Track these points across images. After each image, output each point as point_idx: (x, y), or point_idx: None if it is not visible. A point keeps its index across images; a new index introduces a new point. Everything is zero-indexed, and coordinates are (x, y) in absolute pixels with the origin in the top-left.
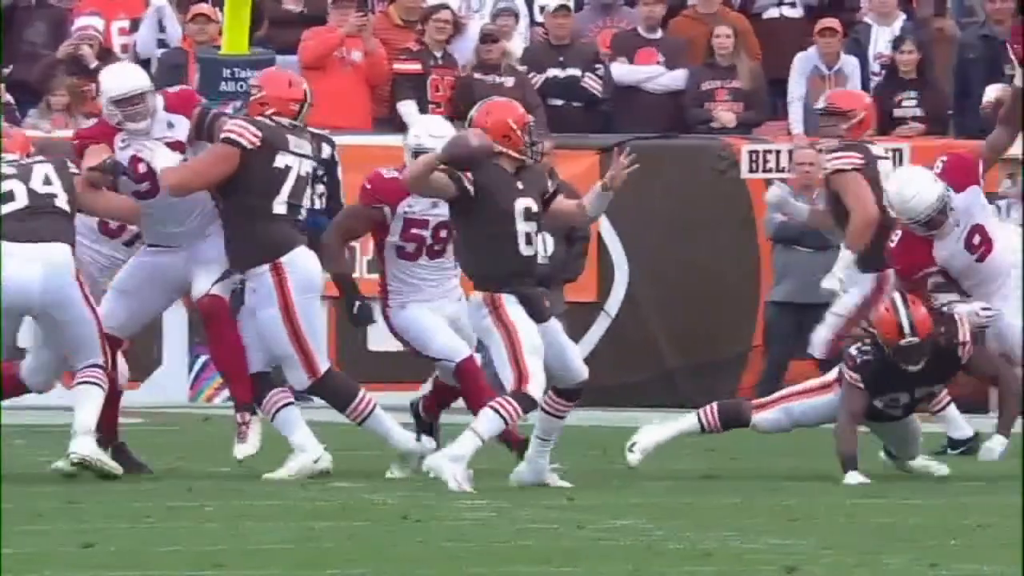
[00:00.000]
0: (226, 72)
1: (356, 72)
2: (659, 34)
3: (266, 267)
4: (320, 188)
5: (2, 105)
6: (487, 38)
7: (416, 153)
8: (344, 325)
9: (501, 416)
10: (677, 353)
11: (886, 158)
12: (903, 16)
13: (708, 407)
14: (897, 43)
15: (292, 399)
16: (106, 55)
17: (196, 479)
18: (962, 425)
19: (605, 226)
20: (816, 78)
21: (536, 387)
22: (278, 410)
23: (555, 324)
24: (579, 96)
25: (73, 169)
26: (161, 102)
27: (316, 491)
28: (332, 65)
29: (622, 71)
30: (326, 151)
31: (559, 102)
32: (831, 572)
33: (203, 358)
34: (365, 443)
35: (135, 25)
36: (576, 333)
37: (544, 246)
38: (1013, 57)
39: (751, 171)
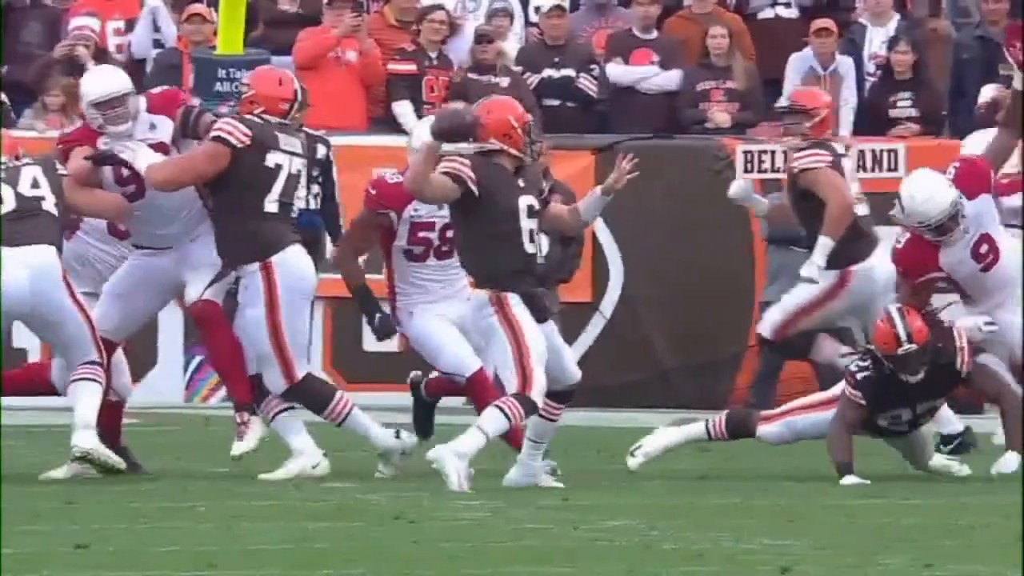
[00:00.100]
0: (221, 72)
1: (351, 72)
2: (654, 34)
3: (256, 265)
4: (315, 188)
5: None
6: (482, 38)
7: None
8: (340, 325)
9: (506, 416)
10: (672, 353)
11: (847, 156)
12: (898, 16)
13: (718, 416)
14: (892, 43)
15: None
16: (102, 56)
17: (192, 480)
18: (952, 420)
19: (600, 226)
20: (811, 78)
21: (539, 393)
22: (278, 412)
23: (550, 325)
24: (574, 96)
25: (61, 170)
26: (144, 104)
27: (311, 492)
28: (327, 65)
29: (617, 71)
30: (321, 152)
31: (554, 102)
32: (827, 572)
33: (198, 358)
34: (360, 444)
35: (130, 25)
36: (571, 334)
37: (540, 246)
38: (1011, 60)
39: (746, 171)
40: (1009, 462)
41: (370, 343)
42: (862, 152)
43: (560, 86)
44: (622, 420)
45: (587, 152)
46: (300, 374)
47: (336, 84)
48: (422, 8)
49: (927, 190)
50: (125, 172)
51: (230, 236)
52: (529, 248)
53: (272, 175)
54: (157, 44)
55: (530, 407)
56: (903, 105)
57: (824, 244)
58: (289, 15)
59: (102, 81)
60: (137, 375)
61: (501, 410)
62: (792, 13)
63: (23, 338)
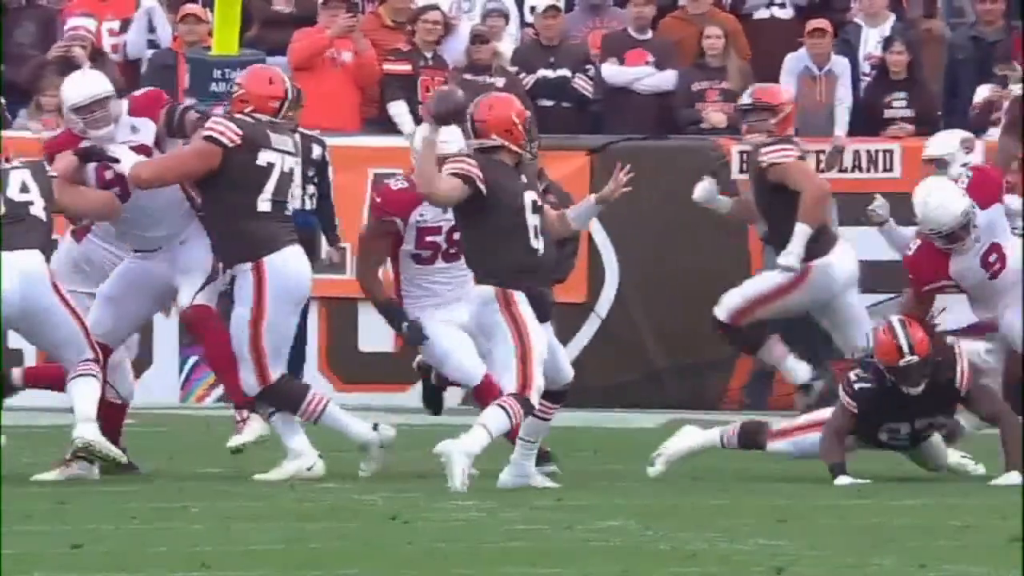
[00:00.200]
0: (216, 73)
1: (346, 73)
2: (649, 35)
3: (249, 265)
4: (311, 189)
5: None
6: (477, 39)
7: None
8: (335, 325)
9: (508, 414)
10: (666, 354)
11: (808, 157)
12: (893, 17)
13: (731, 426)
14: (887, 44)
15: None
16: (98, 56)
17: (186, 480)
18: None
19: (595, 227)
20: (806, 79)
21: (536, 394)
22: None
23: (547, 325)
24: (569, 97)
25: (51, 172)
26: (126, 106)
27: (305, 492)
28: (322, 66)
29: (612, 72)
30: (316, 152)
31: (549, 103)
32: (821, 573)
33: (193, 359)
34: (353, 444)
35: (125, 26)
36: (566, 334)
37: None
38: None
39: (742, 172)
40: (1010, 478)
41: (365, 344)
42: (857, 152)
43: (555, 86)
44: (616, 420)
45: (582, 153)
46: (274, 376)
47: (331, 84)
48: (417, 8)
49: (940, 197)
50: (108, 175)
51: (224, 236)
52: (534, 244)
53: (264, 174)
54: (152, 45)
55: (527, 408)
56: (898, 105)
57: (802, 231)
58: (284, 15)
59: (81, 85)
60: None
61: (503, 409)
62: (787, 13)
63: (21, 338)
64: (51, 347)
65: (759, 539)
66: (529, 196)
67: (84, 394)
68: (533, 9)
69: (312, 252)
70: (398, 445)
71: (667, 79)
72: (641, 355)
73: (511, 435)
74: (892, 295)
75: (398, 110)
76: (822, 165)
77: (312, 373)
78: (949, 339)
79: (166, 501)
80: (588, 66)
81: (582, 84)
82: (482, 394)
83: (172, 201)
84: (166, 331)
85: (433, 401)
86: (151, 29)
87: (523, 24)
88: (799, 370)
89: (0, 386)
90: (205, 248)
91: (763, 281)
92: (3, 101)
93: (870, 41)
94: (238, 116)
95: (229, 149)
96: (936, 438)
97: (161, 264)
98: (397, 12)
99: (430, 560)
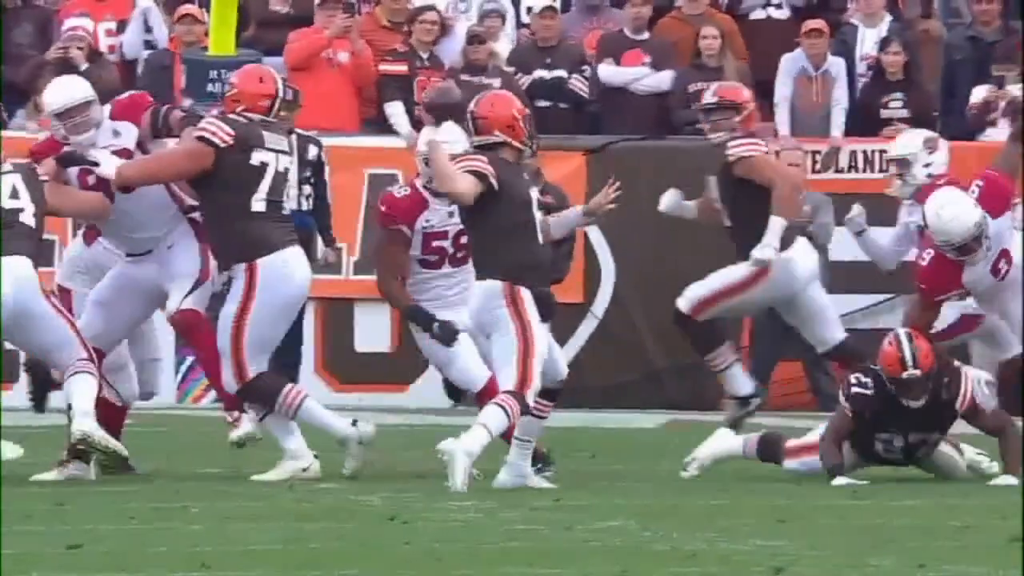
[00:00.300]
0: (213, 73)
1: (343, 73)
2: (646, 35)
3: (243, 265)
4: (307, 189)
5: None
6: (474, 39)
7: (427, 159)
8: (331, 326)
9: (506, 413)
10: (664, 354)
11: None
12: (889, 17)
13: (753, 436)
14: (884, 44)
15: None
16: (96, 57)
17: (184, 480)
18: None
19: (592, 228)
20: (803, 79)
21: (532, 393)
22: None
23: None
24: (566, 97)
25: (43, 176)
26: (108, 111)
27: (303, 492)
28: (318, 66)
29: (609, 72)
30: (313, 152)
31: (546, 103)
32: (820, 573)
33: (190, 359)
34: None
35: (122, 26)
36: (563, 334)
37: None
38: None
39: None
40: (1007, 478)
41: (361, 344)
42: (853, 153)
43: (552, 87)
44: (614, 421)
45: (579, 153)
46: (251, 374)
47: (328, 85)
48: (413, 9)
49: (953, 210)
50: (90, 179)
51: (220, 236)
52: (540, 240)
53: (258, 174)
54: (149, 45)
55: (524, 407)
56: (895, 106)
57: (777, 225)
58: (280, 16)
59: (61, 91)
60: None
61: (502, 408)
62: (784, 14)
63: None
64: (44, 352)
65: (758, 539)
66: (533, 192)
67: (81, 391)
68: (530, 10)
69: (308, 253)
70: (397, 445)
71: (664, 80)
72: (640, 355)
73: (506, 435)
74: (890, 296)
75: (395, 111)
76: (818, 165)
77: (308, 374)
78: (956, 361)
79: (165, 501)
80: (585, 67)
81: (579, 85)
82: (485, 398)
83: (157, 204)
84: (163, 333)
85: (454, 390)
86: (148, 29)
87: (520, 25)
88: (742, 382)
89: (41, 382)
90: (193, 252)
91: (728, 274)
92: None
93: (867, 41)
94: (231, 116)
95: (221, 149)
96: (946, 453)
97: (151, 268)
98: (394, 12)
99: (429, 560)
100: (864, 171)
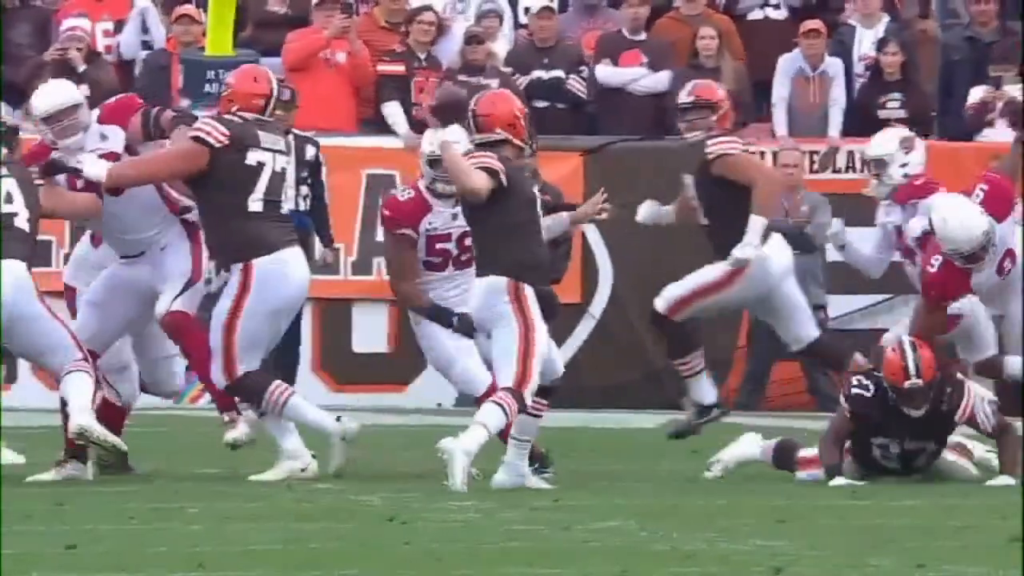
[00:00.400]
0: (210, 74)
1: (340, 73)
2: (643, 35)
3: (240, 265)
4: (304, 190)
5: None
6: (471, 39)
7: (431, 161)
8: (328, 327)
9: (504, 411)
10: (662, 354)
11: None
12: (887, 18)
13: (770, 442)
14: (881, 44)
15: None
16: (94, 58)
17: (183, 481)
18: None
19: (590, 228)
20: (800, 79)
21: (530, 392)
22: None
23: None
24: (563, 98)
25: (38, 180)
26: (96, 114)
27: (302, 493)
28: (316, 67)
29: (606, 73)
30: (310, 153)
31: (543, 104)
32: (819, 573)
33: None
34: (351, 446)
35: (119, 26)
36: (561, 334)
37: None
38: None
39: None
40: (1005, 479)
41: (359, 344)
42: (851, 153)
43: (549, 87)
44: (613, 421)
45: (576, 154)
46: (240, 372)
47: (325, 85)
48: (411, 9)
49: (960, 218)
50: (79, 183)
51: (217, 236)
52: (543, 238)
53: (254, 173)
54: (146, 45)
55: (521, 404)
56: (892, 106)
57: (758, 223)
58: (278, 16)
59: (48, 96)
60: None
61: (499, 406)
62: (781, 14)
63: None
64: (39, 355)
65: (758, 539)
66: (535, 191)
67: (78, 388)
68: (527, 10)
69: (306, 253)
70: (395, 445)
71: (661, 80)
72: (639, 355)
73: (502, 433)
74: (888, 296)
75: (392, 111)
76: (815, 166)
77: (306, 374)
78: (960, 375)
79: (164, 501)
80: (582, 67)
81: (576, 85)
82: (485, 400)
83: (148, 206)
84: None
85: None
86: (145, 30)
87: (517, 25)
88: (707, 390)
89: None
90: (185, 254)
91: (704, 274)
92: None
93: (864, 42)
94: (225, 116)
95: (216, 149)
96: (955, 463)
97: (144, 269)
98: (391, 13)
99: (428, 561)
100: (862, 171)
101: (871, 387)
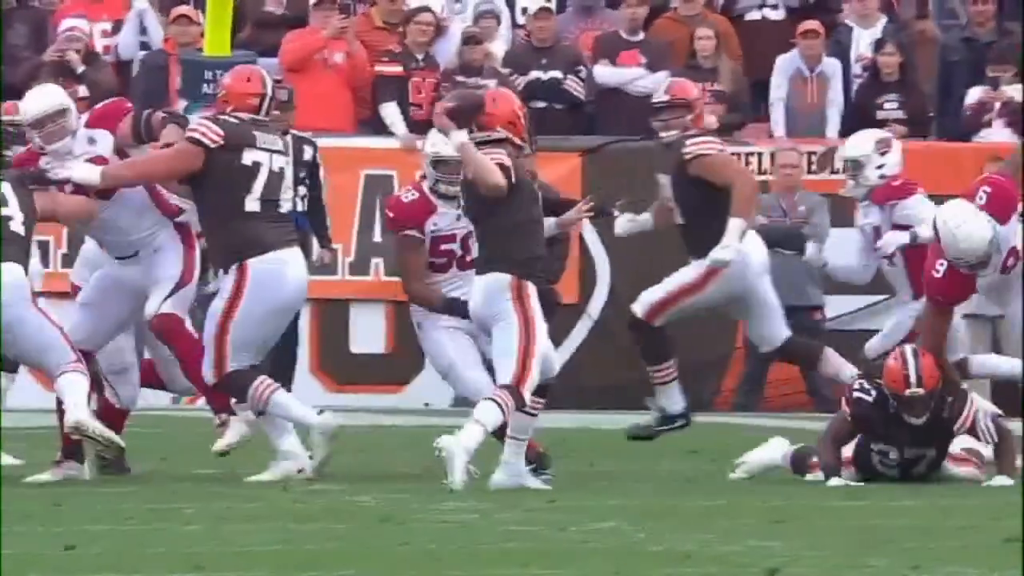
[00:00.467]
0: (208, 74)
1: (338, 74)
2: (641, 36)
3: (235, 265)
4: (302, 190)
5: None
6: (469, 40)
7: (434, 162)
8: (326, 327)
9: (500, 408)
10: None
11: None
12: (885, 18)
13: (789, 449)
14: (879, 45)
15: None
16: (93, 59)
17: (179, 481)
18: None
19: (587, 228)
20: (798, 80)
21: (529, 390)
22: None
23: None
24: (561, 98)
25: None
26: (84, 118)
27: (299, 493)
28: (314, 67)
29: (604, 73)
30: (308, 153)
31: (541, 104)
32: (815, 574)
33: None
34: (347, 446)
35: (117, 27)
36: (558, 335)
37: None
38: None
39: None
40: (1002, 479)
41: (357, 345)
42: None
43: (547, 88)
44: (610, 422)
45: (574, 154)
46: (229, 370)
47: (323, 86)
48: (409, 10)
49: (968, 231)
50: (68, 189)
51: (214, 236)
52: (543, 236)
53: (250, 173)
54: (144, 46)
55: (519, 401)
56: (890, 107)
57: (736, 226)
58: (276, 17)
59: (34, 101)
60: None
61: (496, 402)
62: (779, 15)
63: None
64: (32, 357)
65: (753, 540)
66: (536, 189)
67: (73, 387)
68: (525, 10)
69: (303, 254)
70: (393, 446)
71: (659, 80)
72: (634, 356)
73: (499, 431)
74: (885, 296)
75: (390, 111)
76: (813, 166)
77: (304, 375)
78: (965, 385)
79: (161, 502)
80: (580, 67)
81: (574, 86)
82: None
83: (139, 209)
84: None
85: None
86: (143, 30)
87: (515, 25)
88: (676, 400)
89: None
90: (176, 257)
91: (681, 276)
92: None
93: (862, 42)
94: (220, 117)
95: (211, 150)
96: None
97: (136, 270)
98: (389, 13)
99: (425, 561)
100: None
101: (873, 392)
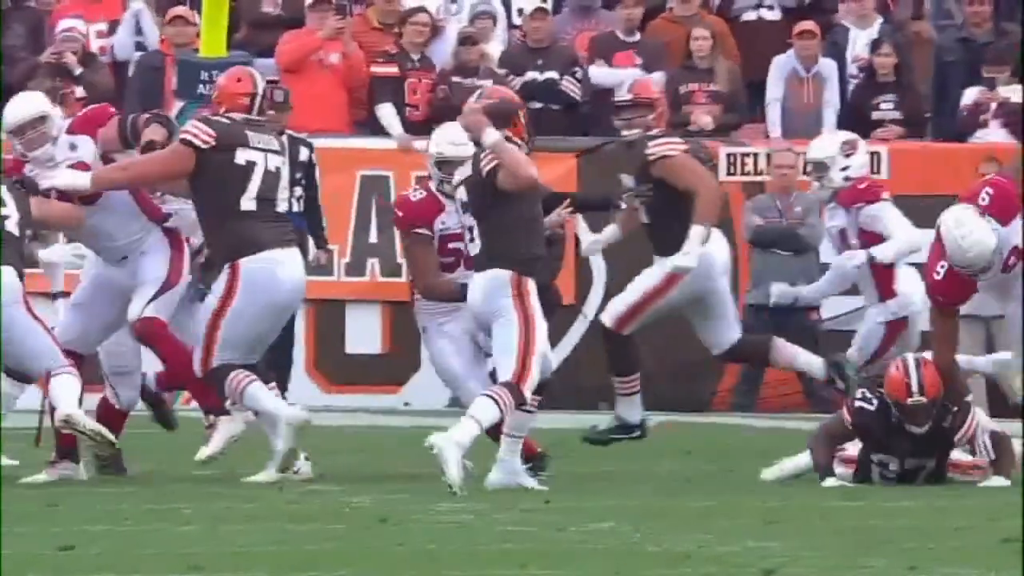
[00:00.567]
0: (204, 75)
1: (334, 75)
2: (637, 36)
3: (229, 264)
4: (298, 191)
5: None
6: (465, 41)
7: (439, 163)
8: (322, 328)
9: (497, 405)
10: (655, 356)
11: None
12: (881, 19)
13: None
14: (875, 46)
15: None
16: (90, 60)
17: (176, 482)
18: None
19: (584, 228)
20: (794, 80)
21: (529, 388)
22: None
23: None
24: (557, 99)
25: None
26: (67, 124)
27: (295, 494)
28: (310, 68)
29: (600, 74)
30: (304, 154)
31: (537, 105)
32: (811, 574)
33: None
34: (345, 447)
35: (113, 28)
36: (555, 335)
37: None
38: None
39: (729, 174)
40: (999, 480)
41: (352, 346)
42: None
43: (543, 88)
44: (608, 422)
45: (571, 155)
46: (215, 365)
47: (319, 87)
48: (405, 10)
49: (973, 241)
50: (53, 195)
51: (211, 236)
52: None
53: (244, 173)
54: (140, 46)
55: (518, 399)
56: (886, 107)
57: (698, 233)
58: (272, 17)
59: (14, 108)
60: None
61: (493, 400)
62: (775, 15)
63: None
64: (25, 360)
65: (749, 541)
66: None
67: (64, 388)
68: (521, 11)
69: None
70: (389, 446)
71: (655, 81)
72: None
73: (496, 429)
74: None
75: (386, 112)
76: (809, 167)
77: (300, 375)
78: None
79: (157, 503)
80: (576, 68)
81: (570, 86)
82: None
83: (125, 214)
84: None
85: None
86: (139, 31)
87: (511, 26)
88: (636, 411)
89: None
90: (162, 261)
91: (645, 282)
92: None
93: (858, 43)
94: (212, 117)
95: (204, 150)
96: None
97: (124, 272)
98: (385, 14)
99: (422, 562)
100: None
101: (873, 400)
